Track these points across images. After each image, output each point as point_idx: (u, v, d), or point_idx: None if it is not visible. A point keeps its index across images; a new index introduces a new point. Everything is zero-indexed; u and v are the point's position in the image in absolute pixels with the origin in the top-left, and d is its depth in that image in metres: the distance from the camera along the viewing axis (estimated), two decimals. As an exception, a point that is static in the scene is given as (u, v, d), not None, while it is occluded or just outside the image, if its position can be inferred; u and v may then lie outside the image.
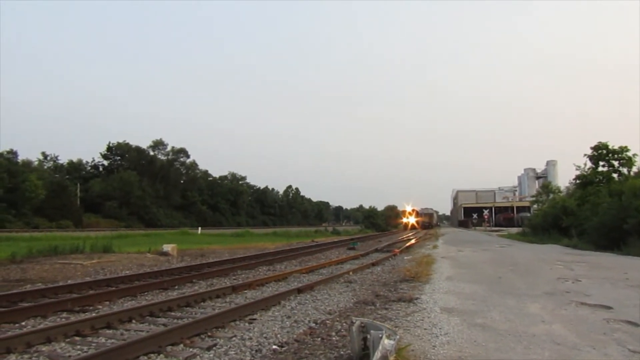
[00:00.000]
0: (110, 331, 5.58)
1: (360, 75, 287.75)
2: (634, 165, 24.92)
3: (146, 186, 68.88)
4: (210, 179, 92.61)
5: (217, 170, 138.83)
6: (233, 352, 4.73)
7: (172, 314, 6.64)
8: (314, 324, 5.96)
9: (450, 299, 7.14)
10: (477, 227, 65.45)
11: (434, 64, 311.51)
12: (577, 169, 27.06)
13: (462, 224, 79.46)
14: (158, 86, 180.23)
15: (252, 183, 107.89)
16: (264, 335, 5.42)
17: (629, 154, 24.89)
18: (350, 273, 11.66)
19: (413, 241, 28.27)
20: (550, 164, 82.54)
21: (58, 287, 8.52)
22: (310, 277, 11.06)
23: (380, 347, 3.53)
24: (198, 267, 12.56)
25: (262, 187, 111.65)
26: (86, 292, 8.23)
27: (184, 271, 11.50)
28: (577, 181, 27.66)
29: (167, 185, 76.26)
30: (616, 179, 24.79)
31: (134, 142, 76.14)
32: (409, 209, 72.89)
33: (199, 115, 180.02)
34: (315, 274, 11.67)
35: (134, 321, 6.08)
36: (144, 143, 79.54)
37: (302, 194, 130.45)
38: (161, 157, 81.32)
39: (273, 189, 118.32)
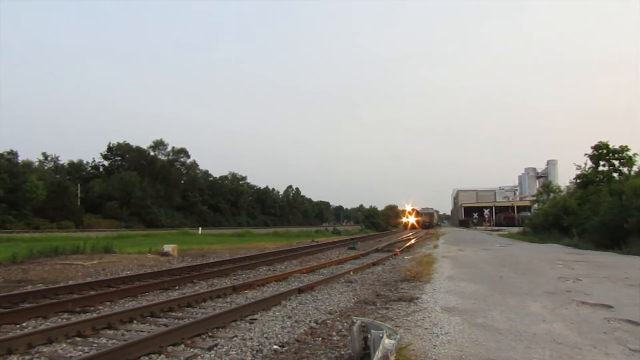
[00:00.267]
0: (112, 332, 5.60)
1: (361, 75, 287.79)
2: (635, 165, 24.99)
3: (147, 186, 68.88)
4: (211, 179, 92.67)
5: (217, 170, 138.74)
6: (234, 352, 4.74)
7: (173, 314, 6.65)
8: (314, 324, 5.97)
9: (451, 298, 7.14)
10: (478, 227, 65.36)
11: (434, 63, 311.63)
12: (577, 169, 27.13)
13: (463, 224, 79.46)
14: (158, 86, 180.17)
15: (252, 183, 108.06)
16: (265, 335, 5.44)
17: (630, 153, 24.97)
18: (351, 273, 11.67)
19: (413, 241, 28.29)
20: (551, 163, 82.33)
21: (59, 288, 8.53)
22: (311, 277, 11.07)
23: (381, 347, 3.53)
24: (199, 267, 12.57)
25: (262, 187, 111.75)
26: (87, 293, 8.25)
27: (184, 271, 11.51)
28: (578, 180, 27.70)
29: (167, 185, 76.26)
30: (617, 178, 24.80)
31: (134, 143, 76.39)
32: (409, 208, 73.03)
33: (199, 116, 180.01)
34: (316, 274, 11.68)
35: (135, 321, 6.10)
36: (144, 143, 79.75)
37: (302, 193, 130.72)
38: (161, 157, 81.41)
39: (273, 189, 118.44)
